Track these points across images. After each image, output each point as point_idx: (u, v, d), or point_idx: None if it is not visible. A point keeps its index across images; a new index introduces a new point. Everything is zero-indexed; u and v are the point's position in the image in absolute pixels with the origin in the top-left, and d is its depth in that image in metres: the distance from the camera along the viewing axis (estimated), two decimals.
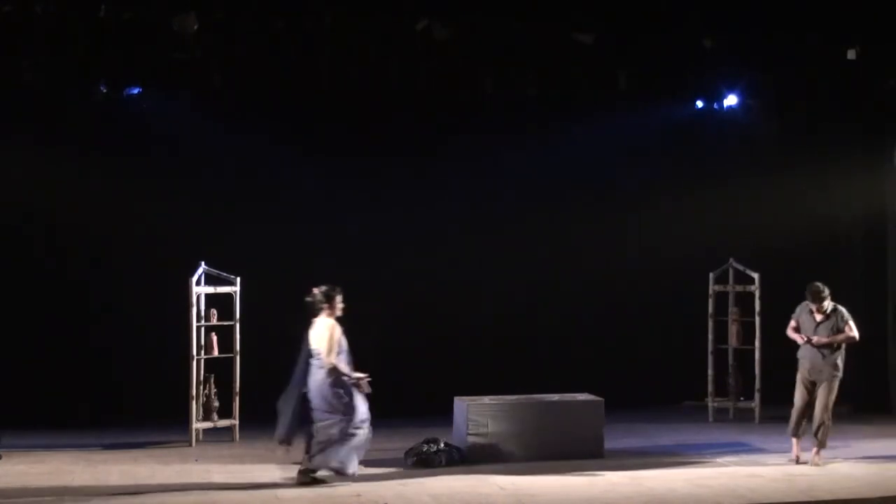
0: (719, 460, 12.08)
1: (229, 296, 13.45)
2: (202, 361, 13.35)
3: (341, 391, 10.98)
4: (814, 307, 12.02)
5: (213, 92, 13.99)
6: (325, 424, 10.93)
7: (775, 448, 12.70)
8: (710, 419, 14.83)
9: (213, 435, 13.31)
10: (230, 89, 13.89)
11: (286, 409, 11.04)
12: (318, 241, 15.13)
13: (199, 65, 13.27)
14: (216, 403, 13.34)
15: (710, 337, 14.89)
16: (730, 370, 14.96)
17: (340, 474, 10.98)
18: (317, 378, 10.99)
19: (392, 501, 10.24)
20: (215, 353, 13.41)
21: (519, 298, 15.63)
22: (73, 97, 14.07)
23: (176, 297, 13.26)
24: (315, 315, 11.17)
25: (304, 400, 11.01)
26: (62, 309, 14.45)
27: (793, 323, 12.22)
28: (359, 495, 10.43)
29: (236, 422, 13.38)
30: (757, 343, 14.70)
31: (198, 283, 13.29)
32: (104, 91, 13.99)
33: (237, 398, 13.35)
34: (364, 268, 15.21)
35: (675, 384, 15.81)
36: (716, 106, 15.52)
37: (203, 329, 13.39)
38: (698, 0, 13.90)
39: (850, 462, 11.96)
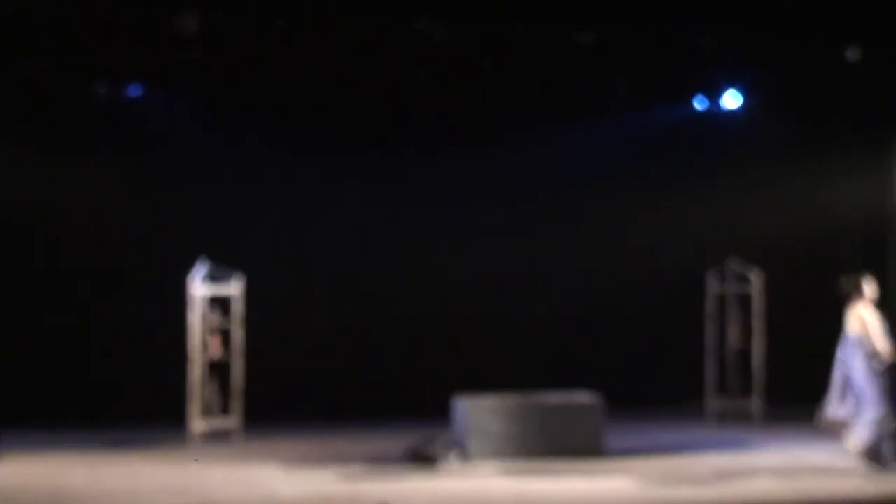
0: (719, 460, 12.07)
1: (229, 296, 13.45)
2: (202, 361, 13.35)
3: (876, 376, 11.51)
4: None
5: (213, 92, 13.99)
6: (867, 409, 11.47)
7: (775, 448, 12.71)
8: (710, 419, 14.82)
9: (213, 435, 13.32)
10: (230, 89, 13.88)
11: (836, 390, 11.73)
12: (319, 241, 15.14)
13: (199, 65, 13.27)
14: (216, 403, 13.34)
15: (710, 337, 14.89)
16: (730, 370, 14.96)
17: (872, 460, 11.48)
18: (855, 363, 11.59)
19: (392, 501, 10.23)
20: (215, 353, 13.41)
21: (519, 298, 15.61)
22: (73, 97, 14.08)
23: (176, 297, 13.26)
24: (847, 304, 11.75)
25: (847, 385, 11.69)
26: (62, 308, 14.45)
27: None
28: (359, 495, 10.42)
29: (236, 422, 13.38)
30: (757, 343, 14.69)
31: (198, 283, 13.29)
32: (104, 91, 14.00)
33: (237, 398, 13.35)
34: (364, 267, 15.23)
35: (675, 384, 15.80)
36: (716, 106, 15.51)
37: (203, 329, 13.40)
38: (698, 0, 13.89)
39: (851, 462, 11.94)
